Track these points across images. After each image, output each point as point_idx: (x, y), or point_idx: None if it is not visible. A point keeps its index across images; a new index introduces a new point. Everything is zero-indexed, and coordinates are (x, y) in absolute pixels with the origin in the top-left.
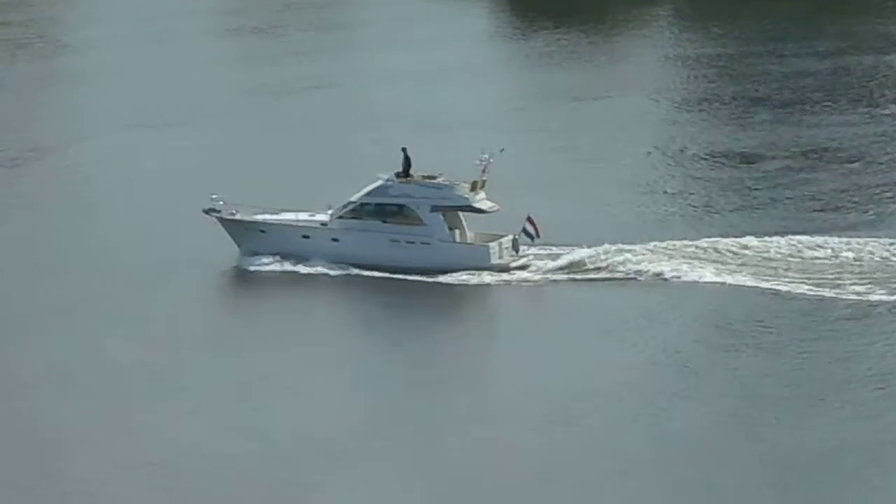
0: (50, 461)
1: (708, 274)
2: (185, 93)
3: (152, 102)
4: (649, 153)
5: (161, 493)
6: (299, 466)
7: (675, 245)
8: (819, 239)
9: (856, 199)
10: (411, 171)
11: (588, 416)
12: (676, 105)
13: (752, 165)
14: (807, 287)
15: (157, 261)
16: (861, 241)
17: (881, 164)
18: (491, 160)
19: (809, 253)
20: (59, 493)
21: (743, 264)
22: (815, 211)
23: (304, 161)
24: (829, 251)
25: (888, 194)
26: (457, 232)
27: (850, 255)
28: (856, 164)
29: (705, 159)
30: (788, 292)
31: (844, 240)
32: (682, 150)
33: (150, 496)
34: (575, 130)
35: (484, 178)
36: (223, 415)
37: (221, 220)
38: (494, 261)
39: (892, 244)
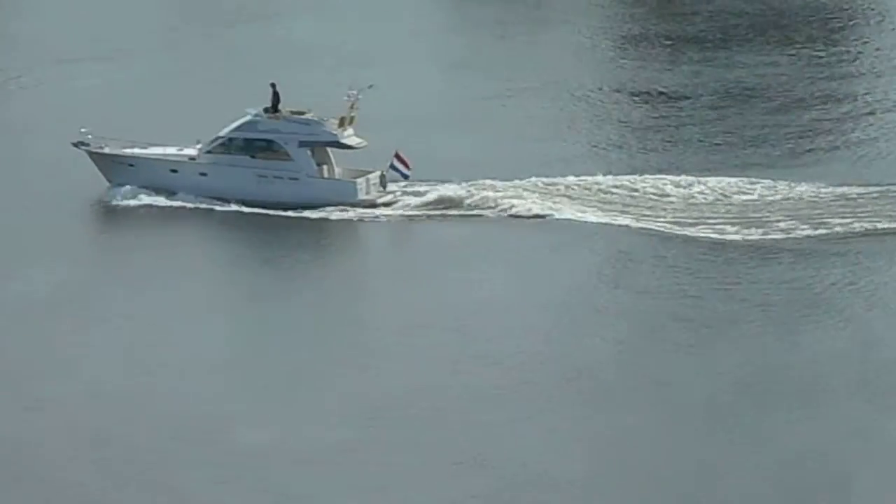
0: None
1: (597, 214)
2: (124, 23)
3: (87, 33)
4: (569, 91)
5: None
6: (194, 401)
7: (569, 183)
8: (743, 180)
9: (782, 139)
10: (280, 107)
11: (474, 354)
12: (603, 43)
13: (677, 104)
14: (732, 229)
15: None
16: (787, 183)
17: (809, 104)
18: (359, 96)
19: (737, 197)
20: None
21: (650, 208)
22: (739, 150)
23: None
24: (755, 194)
25: (815, 135)
26: (325, 167)
27: (777, 196)
28: (781, 104)
29: (627, 98)
30: (691, 233)
31: (769, 181)
32: (601, 88)
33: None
34: (491, 66)
35: (352, 114)
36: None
37: (90, 153)
38: (361, 196)
39: (823, 187)
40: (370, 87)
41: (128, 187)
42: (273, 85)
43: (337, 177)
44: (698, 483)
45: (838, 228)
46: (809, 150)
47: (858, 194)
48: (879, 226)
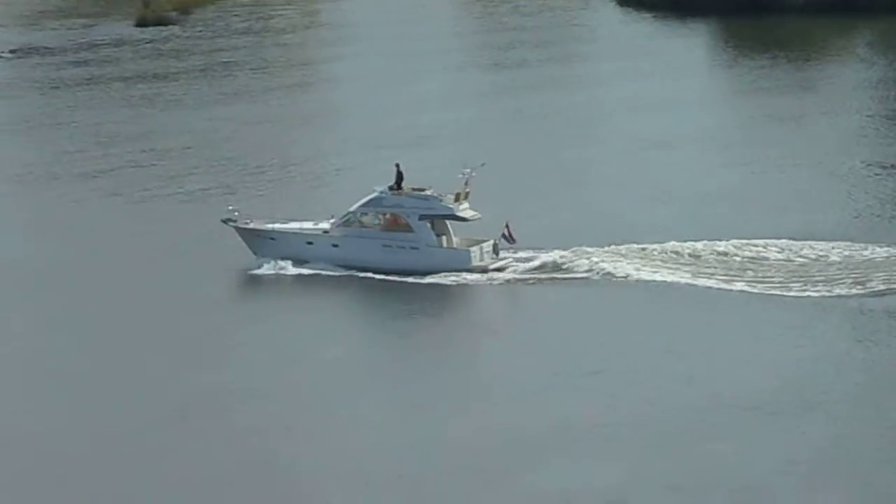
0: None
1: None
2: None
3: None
4: (818, 164)
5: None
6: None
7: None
8: None
9: None
10: (402, 185)
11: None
12: (858, 123)
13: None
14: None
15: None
16: None
17: None
18: (473, 174)
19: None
20: None
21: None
22: None
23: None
24: None
25: None
26: (444, 238)
27: None
28: None
29: (871, 171)
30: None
31: None
32: (847, 162)
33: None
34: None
35: (467, 190)
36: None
37: (237, 229)
38: (475, 263)
39: None
40: (482, 165)
41: (270, 259)
42: (397, 165)
43: (454, 246)
44: None
45: None
46: None
47: None
48: None
